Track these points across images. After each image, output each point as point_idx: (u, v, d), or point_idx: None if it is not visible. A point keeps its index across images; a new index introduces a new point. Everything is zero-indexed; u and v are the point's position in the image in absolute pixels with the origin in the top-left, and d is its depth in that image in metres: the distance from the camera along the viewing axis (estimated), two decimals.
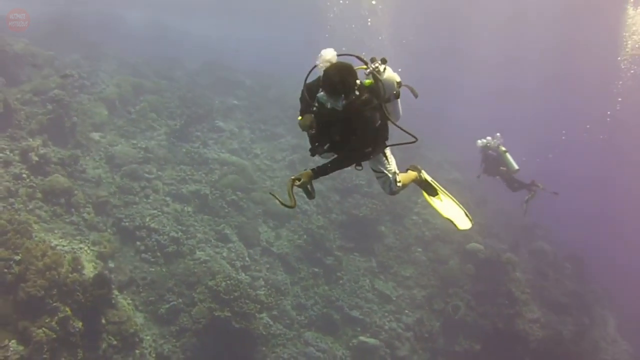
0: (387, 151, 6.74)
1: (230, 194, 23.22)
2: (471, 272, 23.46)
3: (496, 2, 48.26)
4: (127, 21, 53.91)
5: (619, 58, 37.93)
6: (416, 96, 6.41)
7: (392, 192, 6.90)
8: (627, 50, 36.40)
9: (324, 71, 5.49)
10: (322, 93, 5.58)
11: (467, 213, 7.68)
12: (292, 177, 5.89)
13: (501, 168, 17.56)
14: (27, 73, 25.38)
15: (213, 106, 30.50)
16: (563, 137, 50.46)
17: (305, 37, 63.96)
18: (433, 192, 7.95)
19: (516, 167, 17.50)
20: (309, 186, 5.99)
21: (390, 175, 6.76)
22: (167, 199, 21.96)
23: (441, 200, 7.86)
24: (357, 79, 5.53)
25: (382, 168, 6.76)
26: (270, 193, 7.36)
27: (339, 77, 5.39)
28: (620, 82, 41.31)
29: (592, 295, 27.74)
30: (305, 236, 22.81)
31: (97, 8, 53.13)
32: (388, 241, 24.28)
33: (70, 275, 14.30)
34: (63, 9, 42.85)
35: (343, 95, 5.43)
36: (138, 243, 19.13)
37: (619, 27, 35.86)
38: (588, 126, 50.04)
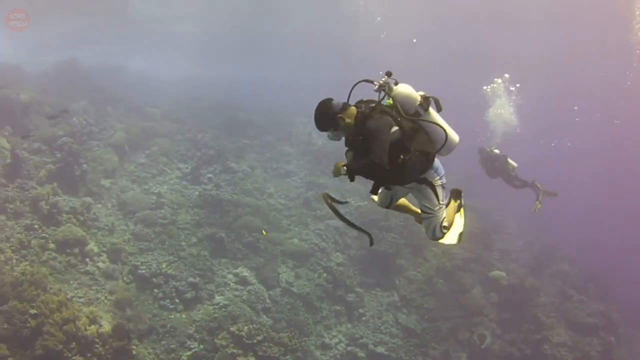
0: (438, 188, 6.14)
1: (247, 235, 22.79)
2: (495, 300, 23.01)
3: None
4: (132, 68, 54.26)
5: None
6: (440, 110, 6.00)
7: (435, 238, 6.34)
8: None
9: None
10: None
11: (462, 234, 6.95)
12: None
13: (508, 166, 17.81)
14: (35, 121, 25.09)
15: (224, 147, 30.21)
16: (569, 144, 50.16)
17: (312, 74, 64.45)
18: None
19: (514, 164, 18.00)
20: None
21: (438, 218, 6.19)
22: (183, 243, 21.53)
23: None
24: (333, 112, 5.76)
25: (429, 206, 6.17)
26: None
27: (315, 116, 5.84)
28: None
29: (618, 313, 27.16)
30: (325, 274, 22.36)
31: (104, 54, 53.64)
32: (409, 274, 23.77)
33: (88, 328, 13.94)
34: (70, 58, 42.86)
35: (331, 129, 5.84)
36: (156, 290, 18.70)
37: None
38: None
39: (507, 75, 18.34)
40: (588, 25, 44.86)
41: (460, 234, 6.81)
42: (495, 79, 18.86)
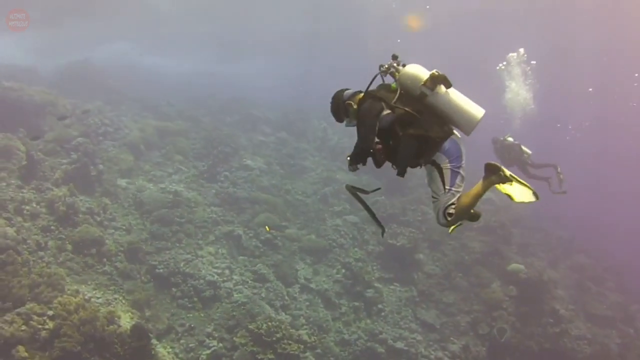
0: (446, 171, 5.79)
1: (264, 232, 22.71)
2: (514, 294, 22.81)
3: None
4: (145, 66, 54.31)
5: None
6: (448, 87, 5.73)
7: (440, 224, 6.12)
8: None
9: None
10: None
11: (535, 191, 6.32)
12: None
13: (523, 154, 17.80)
14: (49, 123, 25.08)
15: (240, 144, 30.21)
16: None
17: (329, 68, 64.35)
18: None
19: (529, 151, 18.06)
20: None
21: (442, 203, 5.80)
22: (200, 242, 21.52)
23: (512, 185, 6.34)
24: (343, 100, 6.09)
25: (434, 189, 5.91)
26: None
27: (330, 107, 6.25)
28: None
29: (636, 305, 26.99)
30: (343, 270, 22.34)
31: (117, 53, 53.78)
32: (428, 269, 23.69)
33: (106, 328, 13.87)
34: (83, 59, 42.94)
35: (345, 118, 6.19)
36: (174, 289, 18.67)
37: None
38: None
39: (521, 50, 17.96)
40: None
41: (534, 193, 6.41)
42: (510, 54, 18.51)
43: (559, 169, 18.20)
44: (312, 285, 21.36)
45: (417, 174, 29.12)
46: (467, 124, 5.80)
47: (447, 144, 5.72)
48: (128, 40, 61.13)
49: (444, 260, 24.26)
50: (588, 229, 34.25)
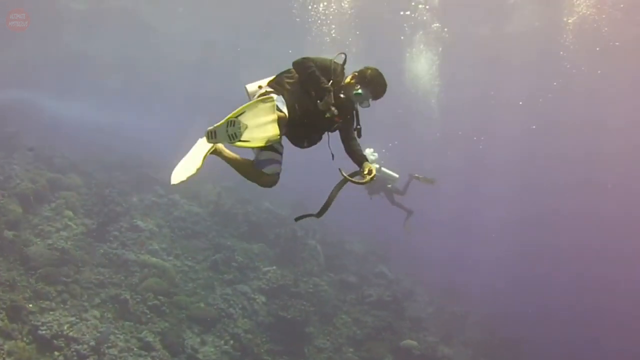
0: None
1: (152, 298, 22.22)
2: None
3: None
4: (45, 111, 53.19)
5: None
6: None
7: None
8: None
9: None
10: None
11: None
12: None
13: (388, 186, 18.16)
14: None
15: (131, 204, 29.58)
16: None
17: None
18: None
19: (396, 175, 18.07)
20: None
21: None
22: (86, 304, 20.87)
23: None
24: None
25: None
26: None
27: None
28: None
29: None
30: (231, 341, 22.04)
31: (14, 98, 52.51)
32: (318, 342, 23.65)
33: None
34: None
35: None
36: (56, 353, 17.92)
37: None
38: None
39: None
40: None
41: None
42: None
43: (408, 216, 18.60)
44: (200, 356, 20.92)
45: (310, 245, 28.94)
46: None
47: None
48: (29, 85, 59.78)
49: (335, 334, 24.30)
50: (483, 302, 34.71)
